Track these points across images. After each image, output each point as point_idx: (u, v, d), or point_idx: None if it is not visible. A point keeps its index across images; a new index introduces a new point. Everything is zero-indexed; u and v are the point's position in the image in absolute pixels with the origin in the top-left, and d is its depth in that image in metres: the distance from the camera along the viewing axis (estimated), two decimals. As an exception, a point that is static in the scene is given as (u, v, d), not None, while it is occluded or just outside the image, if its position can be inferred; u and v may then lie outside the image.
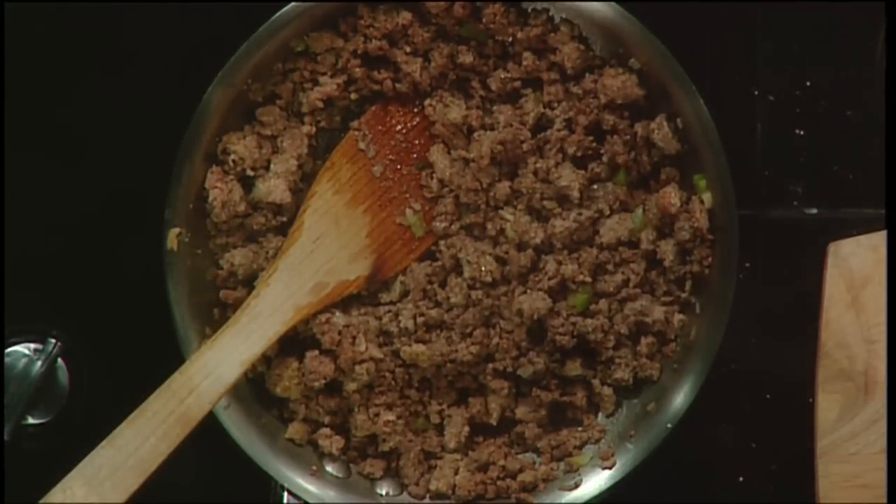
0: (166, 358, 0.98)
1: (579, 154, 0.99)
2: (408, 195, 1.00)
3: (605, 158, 0.99)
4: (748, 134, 1.01)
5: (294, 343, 1.00)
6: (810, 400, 0.99)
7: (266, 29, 0.96)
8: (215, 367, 0.94)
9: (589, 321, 0.98)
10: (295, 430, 1.00)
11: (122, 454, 0.91)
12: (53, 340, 1.02)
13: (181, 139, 0.96)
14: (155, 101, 1.01)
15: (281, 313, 0.97)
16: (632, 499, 1.00)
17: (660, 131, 0.96)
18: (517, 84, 0.99)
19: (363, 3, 0.97)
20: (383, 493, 1.01)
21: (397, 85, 0.99)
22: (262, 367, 1.00)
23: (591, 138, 0.99)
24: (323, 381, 0.98)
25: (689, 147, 0.96)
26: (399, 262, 1.00)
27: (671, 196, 0.97)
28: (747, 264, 1.01)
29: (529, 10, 0.98)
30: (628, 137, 0.98)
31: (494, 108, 1.00)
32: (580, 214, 0.98)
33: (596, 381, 1.00)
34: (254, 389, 1.01)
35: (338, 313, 0.99)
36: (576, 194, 0.98)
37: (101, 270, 1.03)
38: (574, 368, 0.99)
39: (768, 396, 1.02)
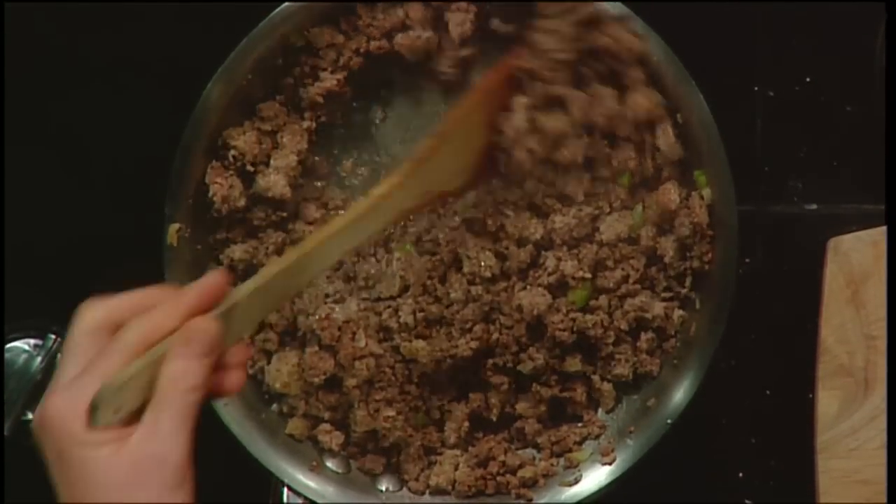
0: (166, 354, 0.98)
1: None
2: None
3: (615, 163, 0.98)
4: (748, 129, 1.01)
5: (294, 339, 1.00)
6: (810, 395, 0.99)
7: (266, 24, 0.96)
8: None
9: (589, 317, 0.98)
10: (295, 425, 1.00)
11: None
12: (53, 336, 1.02)
13: (181, 134, 0.97)
14: (155, 96, 1.01)
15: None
16: (631, 495, 1.00)
17: (664, 138, 0.96)
18: None
19: (360, 3, 0.98)
20: (383, 488, 1.01)
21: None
22: (262, 362, 1.00)
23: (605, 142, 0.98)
24: (323, 377, 0.99)
25: (689, 143, 0.96)
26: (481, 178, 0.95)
27: (671, 193, 0.97)
28: (747, 260, 1.01)
29: None
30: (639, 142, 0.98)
31: None
32: (580, 211, 0.98)
33: (596, 377, 1.00)
34: (254, 385, 1.01)
35: (337, 308, 0.99)
36: (580, 196, 0.98)
37: (101, 266, 1.02)
38: (574, 364, 0.99)
39: (768, 392, 1.02)
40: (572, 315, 0.98)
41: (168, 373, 0.73)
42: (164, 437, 0.73)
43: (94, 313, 0.76)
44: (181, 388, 0.74)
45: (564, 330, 0.98)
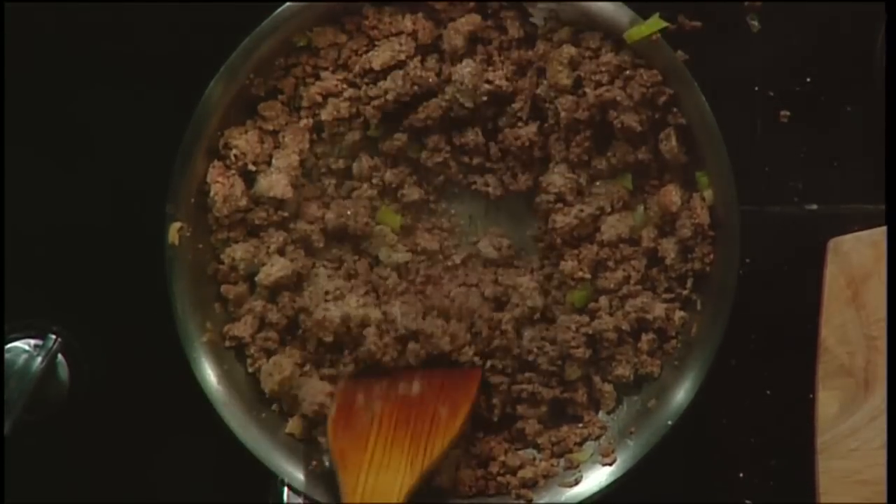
0: (167, 353, 0.98)
1: (585, 157, 0.99)
2: None
3: (614, 160, 0.98)
4: (748, 130, 1.01)
5: (294, 337, 1.00)
6: (810, 396, 0.99)
7: (268, 24, 0.96)
8: None
9: (596, 322, 0.98)
10: (295, 425, 1.00)
11: None
12: (54, 336, 1.02)
13: (183, 133, 0.97)
14: (157, 96, 1.01)
15: None
16: (632, 495, 1.00)
17: (667, 143, 0.96)
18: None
19: (369, 3, 0.98)
20: (383, 488, 1.01)
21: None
22: (262, 361, 1.00)
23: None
24: (324, 376, 0.99)
25: (690, 144, 0.96)
26: None
27: (672, 195, 0.97)
28: (747, 260, 1.00)
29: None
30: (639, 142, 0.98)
31: None
32: (581, 211, 0.98)
33: (597, 378, 1.00)
34: (254, 384, 1.00)
35: (338, 306, 0.99)
36: (569, 197, 0.98)
37: (102, 265, 1.02)
38: (574, 372, 0.99)
39: (768, 392, 1.02)
40: (583, 330, 0.98)
41: None
42: None
43: None
44: None
45: (578, 346, 0.98)
